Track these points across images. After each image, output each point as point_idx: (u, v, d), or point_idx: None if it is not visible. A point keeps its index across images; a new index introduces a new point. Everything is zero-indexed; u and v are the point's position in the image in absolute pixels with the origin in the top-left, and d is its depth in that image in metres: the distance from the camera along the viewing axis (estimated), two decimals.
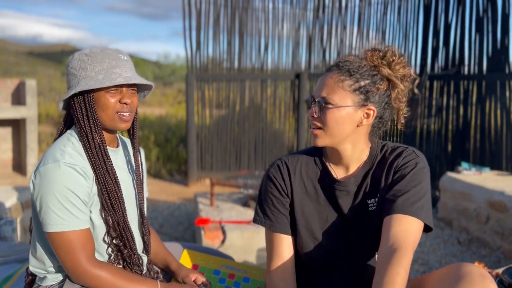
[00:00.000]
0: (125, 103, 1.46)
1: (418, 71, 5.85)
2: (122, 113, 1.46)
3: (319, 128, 1.36)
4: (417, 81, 1.41)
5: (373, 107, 1.36)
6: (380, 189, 1.41)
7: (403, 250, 1.19)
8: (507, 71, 5.14)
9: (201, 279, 1.66)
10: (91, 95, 1.43)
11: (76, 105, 1.44)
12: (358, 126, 1.36)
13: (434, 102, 5.73)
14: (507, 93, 5.16)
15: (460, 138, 5.53)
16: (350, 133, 1.37)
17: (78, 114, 1.44)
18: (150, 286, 1.45)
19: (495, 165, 5.14)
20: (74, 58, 1.48)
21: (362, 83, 1.34)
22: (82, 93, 1.44)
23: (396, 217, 1.28)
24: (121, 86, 1.45)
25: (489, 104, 5.31)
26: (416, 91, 1.50)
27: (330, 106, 1.34)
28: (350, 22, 6.36)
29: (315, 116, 1.36)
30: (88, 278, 1.38)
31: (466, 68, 5.51)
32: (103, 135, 1.46)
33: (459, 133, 5.55)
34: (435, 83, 5.73)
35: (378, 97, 1.36)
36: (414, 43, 5.88)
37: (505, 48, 5.14)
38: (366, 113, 1.36)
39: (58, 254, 1.38)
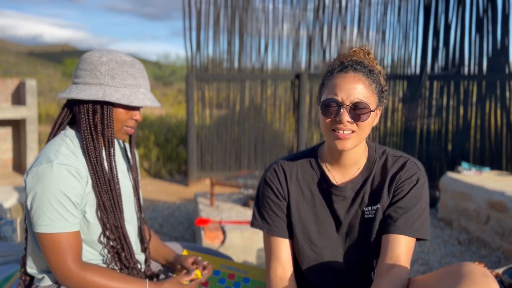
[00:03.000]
0: (136, 120, 1.49)
1: (418, 71, 5.86)
2: (129, 127, 1.49)
3: (352, 131, 1.32)
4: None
5: (381, 107, 1.39)
6: (380, 200, 1.41)
7: (402, 267, 1.30)
8: (507, 71, 5.14)
9: (197, 258, 1.70)
10: (110, 107, 1.43)
11: (89, 109, 1.43)
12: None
13: (434, 102, 5.74)
14: (507, 93, 5.16)
15: (460, 138, 5.53)
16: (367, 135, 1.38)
17: (90, 120, 1.43)
18: (138, 285, 1.45)
19: (495, 165, 5.15)
20: (101, 61, 1.43)
21: (381, 85, 1.37)
22: (101, 101, 1.42)
23: (396, 237, 1.35)
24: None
25: (489, 104, 5.31)
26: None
27: (369, 110, 1.31)
28: (350, 22, 6.36)
29: (350, 120, 1.30)
30: (74, 280, 1.38)
31: (466, 68, 5.51)
32: (113, 140, 1.47)
33: (459, 133, 5.55)
34: (435, 83, 5.73)
35: (384, 97, 1.39)
36: (414, 43, 5.89)
37: (505, 48, 5.15)
38: (377, 114, 1.39)
39: (45, 254, 1.38)
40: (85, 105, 1.43)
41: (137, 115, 1.48)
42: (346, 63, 1.34)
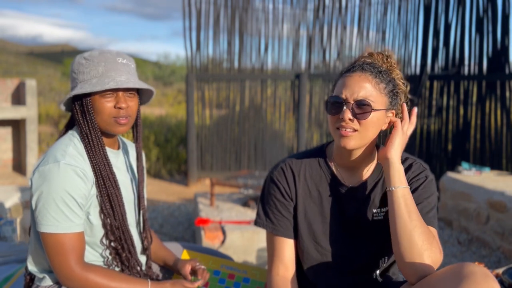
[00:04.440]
0: (120, 108, 1.45)
1: (418, 71, 5.86)
2: (118, 118, 1.46)
3: (355, 130, 1.32)
4: (408, 87, 1.44)
5: (394, 111, 1.38)
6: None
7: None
8: (507, 71, 5.14)
9: (195, 264, 1.69)
10: (88, 99, 1.44)
11: (76, 107, 1.46)
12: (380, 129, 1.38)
13: (434, 102, 5.74)
14: (507, 93, 5.16)
15: (460, 138, 5.53)
16: (375, 136, 1.37)
17: (79, 117, 1.45)
18: (139, 285, 1.45)
19: (495, 165, 5.14)
20: (75, 61, 1.49)
21: (392, 87, 1.36)
22: (80, 96, 1.44)
23: None
24: (116, 90, 1.44)
25: (489, 104, 5.31)
26: (410, 96, 1.54)
27: (371, 109, 1.30)
28: (350, 22, 6.36)
29: (352, 118, 1.30)
30: (76, 280, 1.38)
31: (466, 68, 5.51)
32: (101, 138, 1.47)
33: (459, 133, 5.55)
34: (435, 83, 5.73)
35: (398, 100, 1.39)
36: (414, 43, 5.89)
37: (505, 48, 5.15)
38: (388, 117, 1.37)
39: (48, 254, 1.38)
40: (74, 107, 1.46)
41: (119, 103, 1.45)
42: (356, 64, 1.37)
